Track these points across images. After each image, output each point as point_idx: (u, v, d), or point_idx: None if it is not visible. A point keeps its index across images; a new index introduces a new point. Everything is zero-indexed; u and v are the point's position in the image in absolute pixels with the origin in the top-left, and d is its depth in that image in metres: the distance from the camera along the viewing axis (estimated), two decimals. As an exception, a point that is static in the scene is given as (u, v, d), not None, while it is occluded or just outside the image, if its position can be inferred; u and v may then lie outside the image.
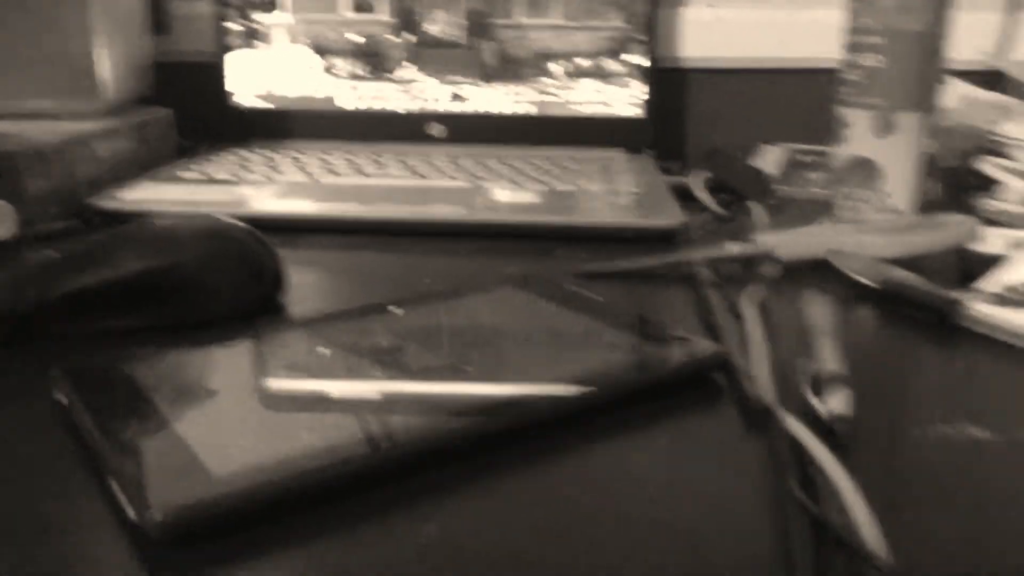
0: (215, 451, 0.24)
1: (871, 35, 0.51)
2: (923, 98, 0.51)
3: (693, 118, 0.82)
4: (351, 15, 0.73)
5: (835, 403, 0.29)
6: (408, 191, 0.57)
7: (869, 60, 0.51)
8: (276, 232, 0.50)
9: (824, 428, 0.28)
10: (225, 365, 0.30)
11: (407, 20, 0.73)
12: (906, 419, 0.30)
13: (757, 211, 0.56)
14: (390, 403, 0.28)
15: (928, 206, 0.57)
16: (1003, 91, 0.75)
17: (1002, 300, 0.40)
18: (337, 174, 0.61)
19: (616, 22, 0.73)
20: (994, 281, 0.42)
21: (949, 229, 0.47)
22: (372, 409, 0.27)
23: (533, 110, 0.74)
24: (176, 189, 0.56)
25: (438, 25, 0.73)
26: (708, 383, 0.32)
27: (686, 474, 0.26)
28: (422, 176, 0.61)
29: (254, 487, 0.23)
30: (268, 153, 0.68)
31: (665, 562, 0.22)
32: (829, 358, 0.32)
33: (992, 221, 0.56)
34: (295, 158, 0.66)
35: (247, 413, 0.27)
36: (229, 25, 0.73)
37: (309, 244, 0.50)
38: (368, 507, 0.24)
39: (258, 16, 0.73)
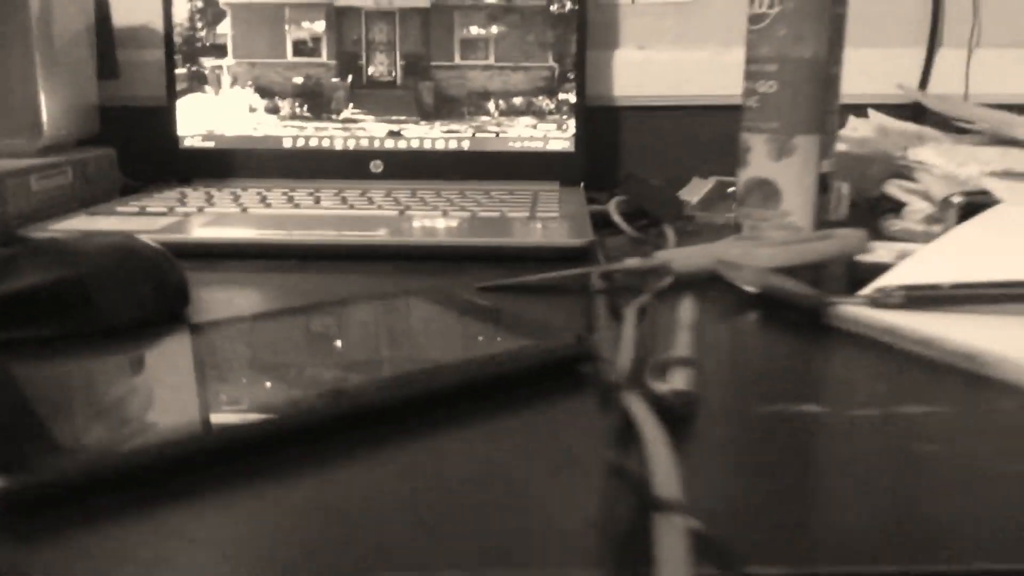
0: (69, 429, 0.26)
1: (766, 63, 0.54)
2: (818, 122, 0.54)
3: (627, 152, 0.85)
4: (294, 59, 0.76)
5: (675, 382, 0.30)
6: (334, 219, 0.59)
7: (764, 87, 0.54)
8: (197, 257, 0.53)
9: (665, 404, 0.30)
10: (104, 361, 0.32)
11: (347, 63, 0.77)
12: (750, 399, 0.32)
13: (668, 232, 0.59)
14: (251, 388, 0.30)
15: (835, 225, 0.59)
16: (921, 121, 0.78)
17: (873, 302, 0.42)
18: (269, 206, 0.64)
19: (548, 63, 0.76)
20: (872, 286, 0.44)
21: (844, 241, 0.50)
22: (225, 394, 0.29)
23: (469, 146, 0.77)
24: (108, 221, 0.58)
25: (377, 67, 0.76)
26: (575, 373, 0.34)
27: (535, 444, 0.28)
28: (351, 207, 0.64)
29: (102, 459, 0.25)
30: (209, 190, 0.70)
31: (495, 526, 0.23)
32: (681, 346, 0.34)
33: (897, 239, 0.58)
34: (234, 193, 0.68)
35: (115, 399, 0.29)
36: (177, 70, 0.76)
37: (229, 268, 0.52)
38: (234, 476, 0.26)
39: (205, 60, 0.76)
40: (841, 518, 0.23)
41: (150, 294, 0.40)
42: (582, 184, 0.76)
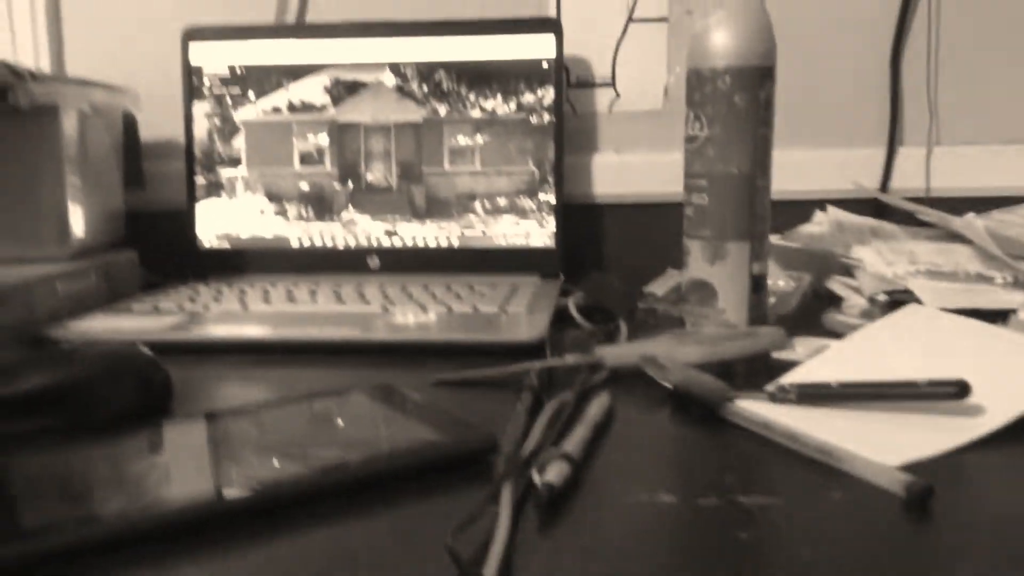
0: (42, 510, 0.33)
1: (699, 178, 0.60)
2: (747, 229, 0.60)
3: (609, 245, 0.91)
4: (300, 168, 0.85)
5: (550, 475, 0.36)
6: (321, 317, 0.67)
7: (698, 199, 0.61)
8: (194, 353, 0.60)
9: (538, 494, 0.35)
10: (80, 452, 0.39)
11: (348, 169, 0.85)
12: (622, 488, 0.37)
13: (622, 326, 0.65)
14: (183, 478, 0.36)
15: (779, 320, 0.65)
16: (886, 215, 0.84)
17: (772, 397, 0.48)
18: (269, 303, 0.71)
19: (529, 167, 0.83)
20: (775, 383, 0.49)
21: (759, 339, 0.55)
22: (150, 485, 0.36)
23: (458, 243, 0.84)
24: (120, 319, 0.66)
25: (374, 173, 0.85)
26: (485, 464, 0.40)
27: (411, 531, 0.33)
28: (343, 302, 0.71)
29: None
30: (221, 287, 0.78)
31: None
32: (572, 441, 0.40)
33: (835, 331, 0.63)
34: (241, 291, 0.76)
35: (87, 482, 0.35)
36: (196, 179, 0.85)
37: (219, 363, 0.59)
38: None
39: (222, 170, 0.85)
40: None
41: (137, 394, 0.47)
42: (561, 277, 0.82)
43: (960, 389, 0.43)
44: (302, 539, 0.33)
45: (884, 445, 0.40)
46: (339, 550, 0.32)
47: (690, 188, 0.61)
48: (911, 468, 0.38)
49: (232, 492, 0.35)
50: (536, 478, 0.36)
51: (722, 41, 0.59)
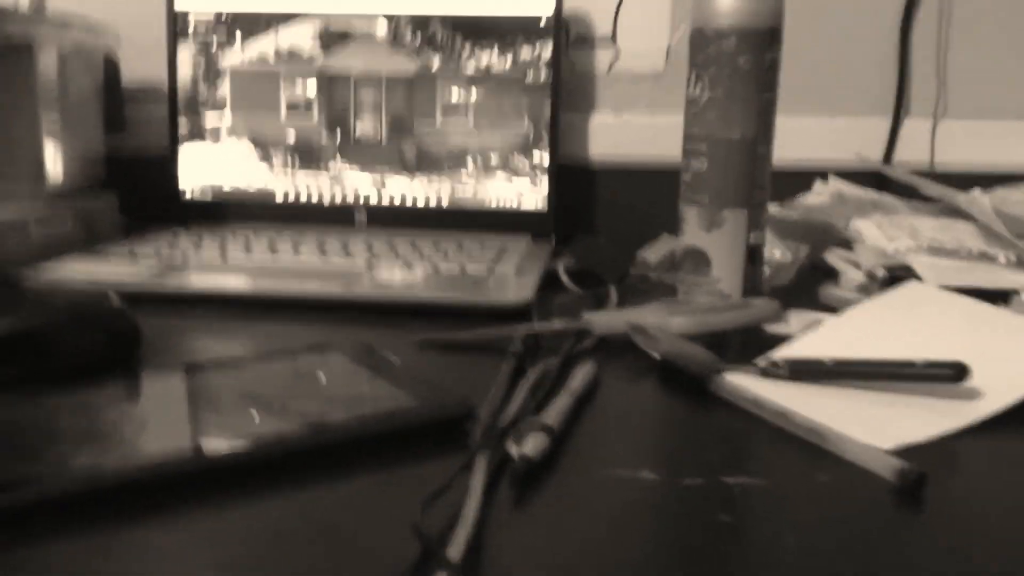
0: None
1: (698, 142, 0.58)
2: (745, 197, 0.58)
3: (603, 209, 0.89)
4: (287, 116, 0.82)
5: (527, 447, 0.34)
6: (304, 271, 0.65)
7: (697, 164, 0.58)
8: (173, 303, 0.58)
9: (513, 466, 0.34)
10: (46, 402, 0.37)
11: (336, 120, 0.82)
12: (601, 463, 0.35)
13: (611, 291, 0.63)
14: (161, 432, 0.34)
15: (774, 292, 0.63)
16: (885, 189, 0.82)
17: (762, 372, 0.46)
18: (250, 253, 0.69)
19: (523, 125, 0.81)
20: (766, 357, 0.47)
21: (752, 311, 0.53)
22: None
23: (447, 201, 0.82)
24: (95, 265, 0.64)
25: (363, 125, 0.82)
26: (460, 430, 0.38)
27: (380, 501, 0.32)
28: (326, 257, 0.69)
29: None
30: (201, 235, 0.76)
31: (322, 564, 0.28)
32: (553, 413, 0.38)
33: (831, 306, 0.61)
34: (222, 239, 0.74)
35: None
36: (179, 125, 0.83)
37: (196, 315, 0.57)
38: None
39: (205, 116, 0.83)
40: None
41: (102, 345, 0.45)
42: (552, 240, 0.80)
43: (958, 372, 0.42)
44: (260, 502, 0.31)
45: (877, 427, 0.39)
46: (302, 515, 0.30)
47: (689, 152, 0.59)
48: (904, 452, 0.36)
49: (209, 447, 0.33)
50: (513, 450, 0.34)
51: (728, 0, 0.56)
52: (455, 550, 0.26)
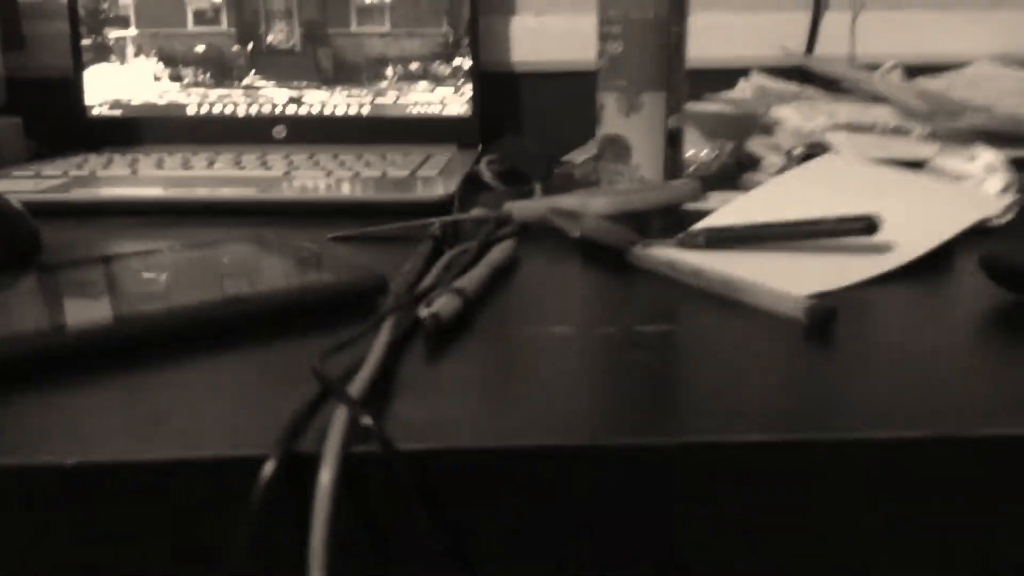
0: None
1: (613, 25, 0.57)
2: (663, 80, 0.57)
3: (528, 115, 0.88)
4: (195, 28, 0.79)
5: (437, 307, 0.34)
6: (219, 180, 0.62)
7: (612, 48, 0.57)
8: (80, 216, 0.56)
9: (424, 325, 0.33)
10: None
11: (248, 30, 0.79)
12: (517, 323, 0.35)
13: (536, 188, 0.62)
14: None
15: (701, 180, 0.63)
16: (811, 84, 0.82)
17: (680, 243, 0.46)
18: (162, 169, 0.66)
19: (443, 29, 0.79)
20: (686, 231, 0.48)
21: (671, 190, 0.53)
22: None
23: (369, 111, 0.80)
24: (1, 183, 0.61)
25: (276, 35, 0.79)
26: (374, 304, 0.37)
27: (291, 359, 0.31)
28: (243, 169, 0.67)
29: None
30: (112, 156, 0.73)
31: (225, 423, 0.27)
32: (467, 280, 0.37)
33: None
34: (134, 159, 0.71)
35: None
36: (83, 41, 0.79)
37: (100, 225, 0.54)
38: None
39: (109, 31, 0.79)
40: (522, 411, 0.27)
41: (2, 244, 0.43)
42: (479, 148, 0.79)
43: (868, 225, 0.42)
44: (174, 369, 0.30)
45: (790, 280, 0.39)
46: (207, 382, 0.30)
47: (604, 36, 0.58)
48: (815, 299, 0.37)
49: (125, 317, 0.32)
50: (424, 312, 0.34)
51: None
52: (355, 387, 0.26)
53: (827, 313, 0.34)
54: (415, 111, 0.80)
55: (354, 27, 0.79)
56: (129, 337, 0.32)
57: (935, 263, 0.43)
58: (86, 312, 0.33)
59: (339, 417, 0.24)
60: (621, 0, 0.57)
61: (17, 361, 0.30)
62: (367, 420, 0.24)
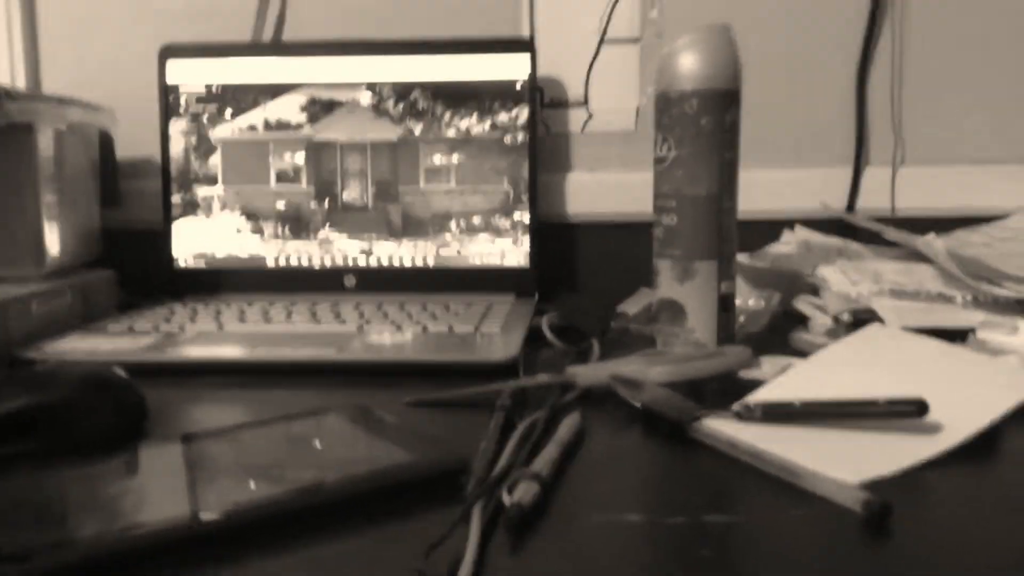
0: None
1: (667, 199, 0.62)
2: (714, 249, 0.61)
3: (583, 264, 0.92)
4: (277, 186, 0.85)
5: (520, 495, 0.37)
6: (297, 337, 0.67)
7: (667, 219, 0.62)
8: (173, 375, 0.60)
9: (507, 514, 0.36)
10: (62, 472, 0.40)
11: (325, 188, 0.86)
12: (590, 508, 0.38)
13: (594, 345, 0.66)
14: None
15: (748, 338, 0.66)
16: (849, 236, 0.85)
17: (738, 416, 0.49)
18: (245, 322, 0.71)
19: (503, 186, 0.85)
20: (741, 402, 0.50)
21: (727, 359, 0.56)
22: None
23: (433, 262, 0.85)
24: (95, 340, 0.66)
25: (351, 192, 0.85)
26: (455, 483, 0.41)
27: (389, 548, 0.34)
28: (318, 322, 0.71)
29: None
30: (196, 306, 0.78)
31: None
32: (542, 462, 0.41)
33: (802, 350, 0.64)
34: (217, 310, 0.76)
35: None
36: (173, 198, 0.86)
37: (194, 385, 0.59)
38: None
39: (198, 188, 0.86)
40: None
41: (112, 417, 0.47)
42: (535, 297, 0.83)
43: (919, 408, 0.44)
44: (273, 560, 0.33)
45: (845, 463, 0.42)
46: (309, 572, 0.33)
47: (659, 209, 0.63)
48: (871, 486, 0.39)
49: (207, 514, 0.35)
50: (506, 498, 0.37)
51: (689, 65, 0.60)
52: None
53: (884, 509, 0.36)
54: (476, 262, 0.85)
55: (422, 184, 0.85)
56: (209, 535, 0.35)
57: (981, 441, 0.45)
58: (171, 508, 0.36)
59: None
60: (673, 177, 0.61)
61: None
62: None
